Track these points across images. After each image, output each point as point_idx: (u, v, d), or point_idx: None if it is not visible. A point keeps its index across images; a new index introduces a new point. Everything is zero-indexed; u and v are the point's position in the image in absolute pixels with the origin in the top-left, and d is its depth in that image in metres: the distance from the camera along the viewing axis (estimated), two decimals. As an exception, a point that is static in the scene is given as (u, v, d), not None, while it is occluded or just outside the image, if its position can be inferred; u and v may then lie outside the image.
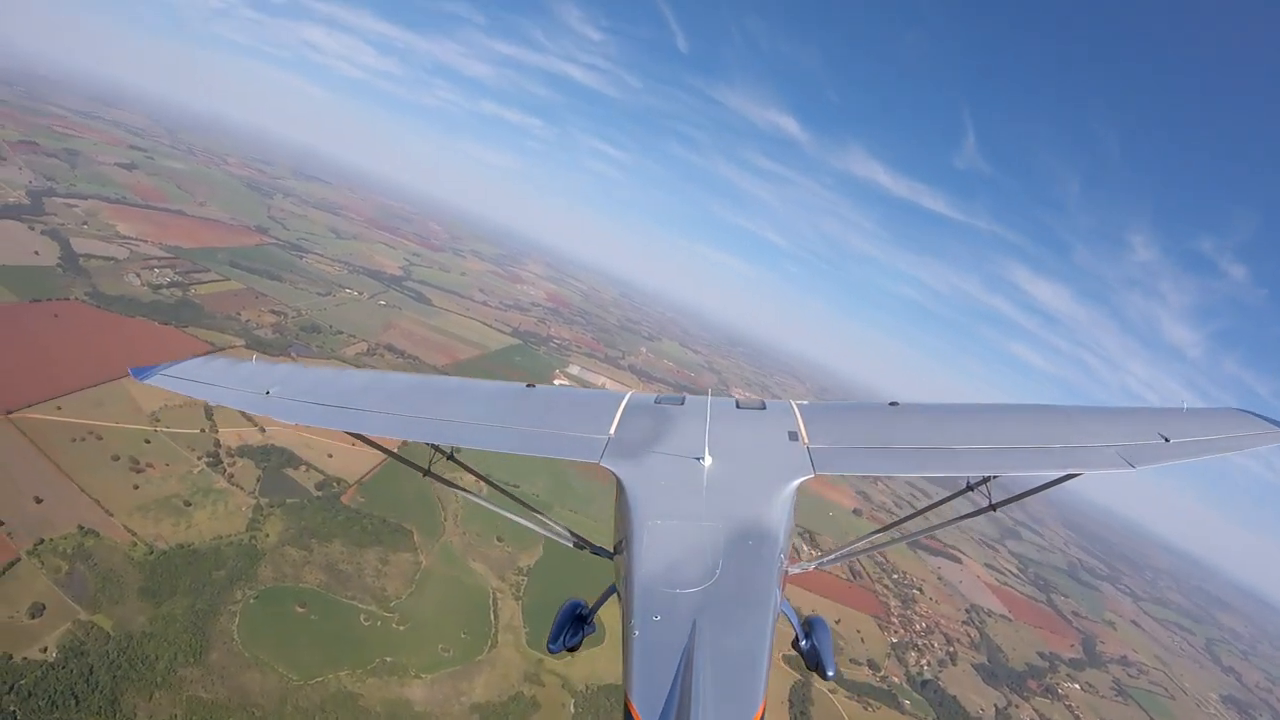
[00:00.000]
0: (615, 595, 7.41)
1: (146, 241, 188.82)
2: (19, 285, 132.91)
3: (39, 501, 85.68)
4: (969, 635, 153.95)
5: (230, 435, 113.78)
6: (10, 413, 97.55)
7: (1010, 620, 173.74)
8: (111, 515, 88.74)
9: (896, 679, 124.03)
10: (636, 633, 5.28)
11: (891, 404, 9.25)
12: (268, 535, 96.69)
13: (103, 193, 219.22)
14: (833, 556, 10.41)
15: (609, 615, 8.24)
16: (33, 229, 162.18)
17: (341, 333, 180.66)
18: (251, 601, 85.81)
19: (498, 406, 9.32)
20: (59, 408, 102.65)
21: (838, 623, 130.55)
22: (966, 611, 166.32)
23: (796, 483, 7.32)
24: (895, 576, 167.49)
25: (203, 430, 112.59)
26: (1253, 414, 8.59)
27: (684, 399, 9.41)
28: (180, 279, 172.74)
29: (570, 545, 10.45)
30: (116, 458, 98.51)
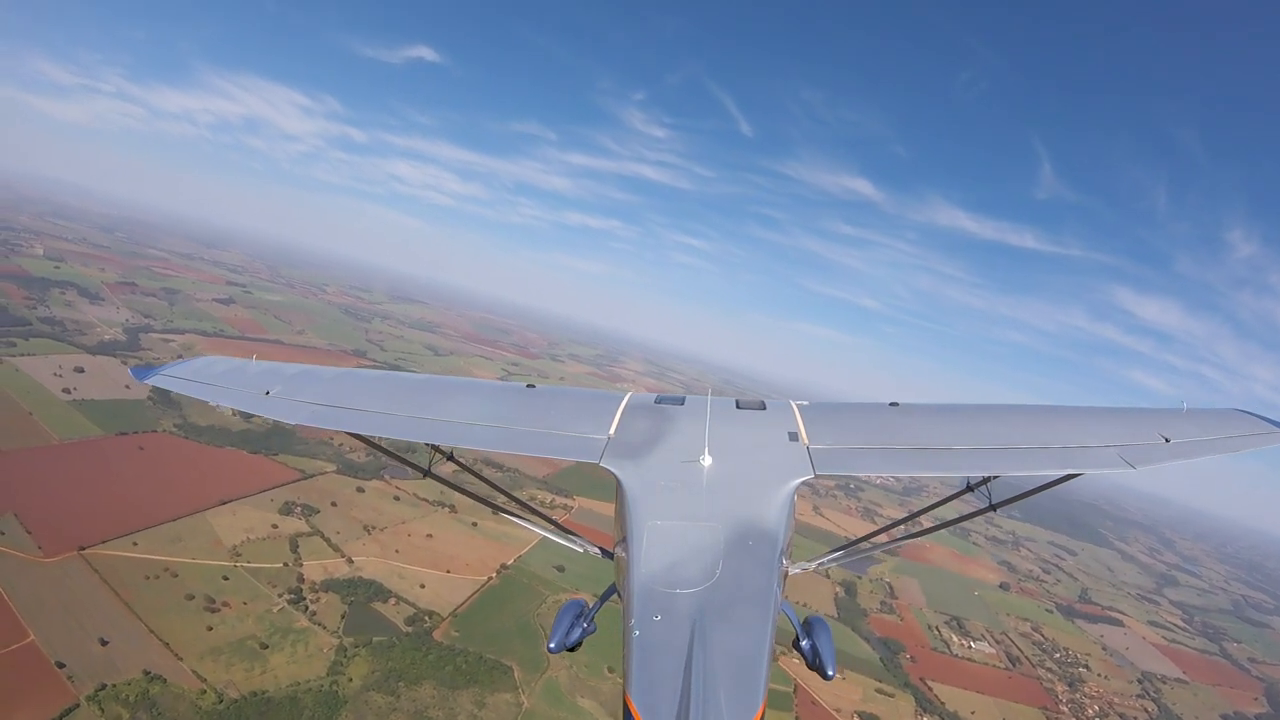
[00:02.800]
0: (615, 595, 7.39)
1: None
2: (106, 419, 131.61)
3: (104, 643, 78.57)
4: (1146, 710, 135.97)
5: (315, 568, 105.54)
6: (84, 549, 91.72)
7: (1187, 682, 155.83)
8: (181, 659, 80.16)
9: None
10: (637, 633, 5.21)
11: (892, 404, 9.01)
12: (350, 679, 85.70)
13: (199, 327, 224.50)
14: (833, 556, 10.20)
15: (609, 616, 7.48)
16: (125, 364, 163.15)
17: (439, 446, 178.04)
18: (329, 758, 74.93)
19: (498, 406, 9.13)
20: (135, 543, 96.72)
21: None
22: (1139, 683, 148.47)
23: (796, 483, 7.19)
24: (1057, 655, 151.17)
25: (286, 564, 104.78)
26: (1252, 414, 8.58)
27: (684, 399, 9.21)
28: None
29: (578, 550, 10.38)
30: (191, 596, 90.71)
